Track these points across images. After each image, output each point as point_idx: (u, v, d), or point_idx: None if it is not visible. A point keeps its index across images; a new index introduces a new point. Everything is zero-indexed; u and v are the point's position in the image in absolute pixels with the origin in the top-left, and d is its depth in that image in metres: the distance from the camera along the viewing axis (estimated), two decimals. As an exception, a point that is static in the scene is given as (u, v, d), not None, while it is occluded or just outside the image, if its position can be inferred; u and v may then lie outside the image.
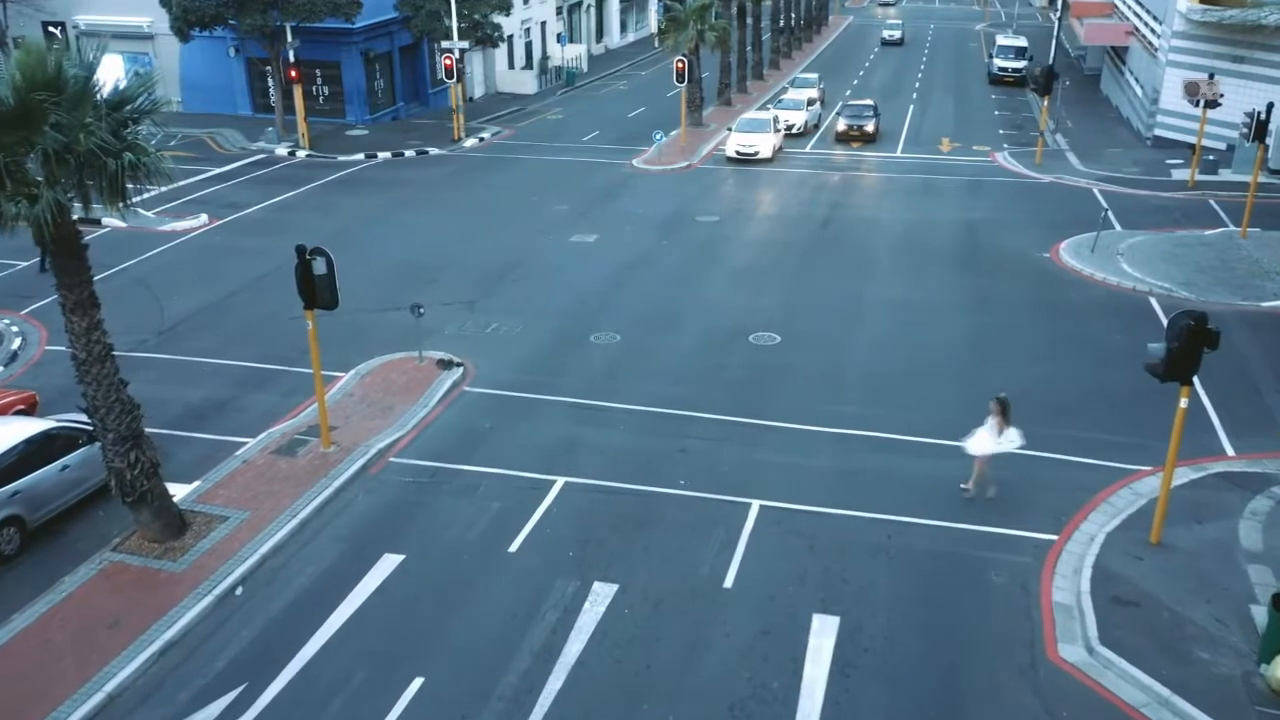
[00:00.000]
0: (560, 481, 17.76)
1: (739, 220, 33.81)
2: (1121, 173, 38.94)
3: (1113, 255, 28.95)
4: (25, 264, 28.24)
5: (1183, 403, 15.10)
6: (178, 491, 17.18)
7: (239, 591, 14.92)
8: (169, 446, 18.81)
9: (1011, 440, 16.69)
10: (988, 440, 16.77)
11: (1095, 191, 36.49)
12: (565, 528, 16.50)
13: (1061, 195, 36.51)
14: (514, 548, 15.98)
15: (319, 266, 17.23)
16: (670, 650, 13.77)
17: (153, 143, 14.25)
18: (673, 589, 14.97)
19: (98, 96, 13.48)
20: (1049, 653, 13.73)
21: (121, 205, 13.85)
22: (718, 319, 25.05)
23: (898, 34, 79.62)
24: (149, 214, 33.13)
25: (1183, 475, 17.16)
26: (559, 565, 15.54)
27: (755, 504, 17.06)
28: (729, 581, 15.14)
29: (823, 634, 14.04)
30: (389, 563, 15.61)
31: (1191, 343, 14.46)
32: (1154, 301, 25.97)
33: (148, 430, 18.42)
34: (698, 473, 18.06)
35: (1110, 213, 30.71)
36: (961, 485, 17.30)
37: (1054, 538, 16.19)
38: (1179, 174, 38.15)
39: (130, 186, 13.91)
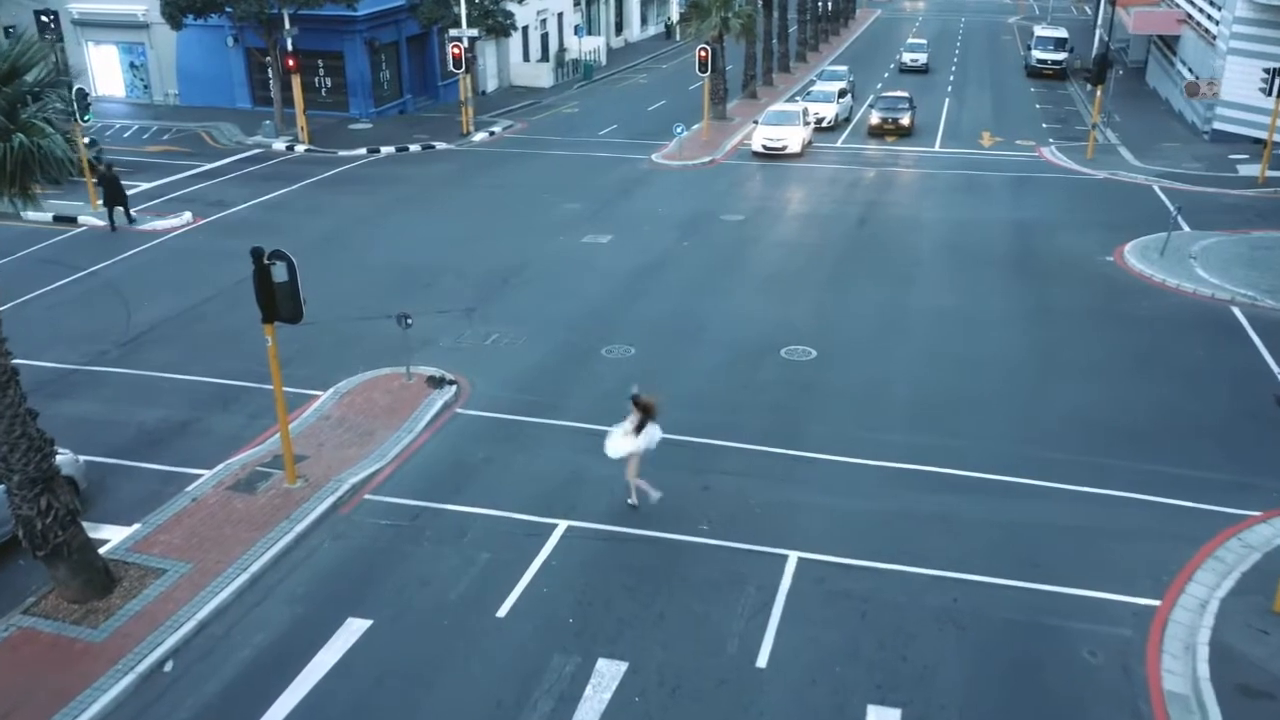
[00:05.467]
0: (562, 526, 15.11)
1: (767, 219, 31.06)
2: (1182, 168, 35.89)
3: (1185, 259, 26.01)
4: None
5: (1322, 444, 12.32)
6: (114, 536, 14.69)
7: (168, 667, 12.31)
8: (112, 479, 16.37)
9: (650, 436, 14.85)
10: (624, 440, 14.97)
11: (1155, 189, 33.48)
12: (565, 586, 13.82)
13: (1119, 193, 33.53)
14: (503, 611, 13.32)
15: (279, 273, 14.65)
16: (691, 754, 11.10)
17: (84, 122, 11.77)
18: (694, 669, 12.27)
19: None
20: (1166, 762, 11.01)
21: (19, 198, 11.38)
22: (745, 330, 22.33)
23: (922, 58, 59.88)
24: (130, 212, 30.80)
25: (1301, 523, 14.37)
26: (556, 635, 12.86)
27: (793, 556, 14.35)
28: (762, 659, 12.42)
29: (880, 733, 11.35)
30: (353, 630, 12.98)
31: (1338, 371, 11.70)
32: (1237, 311, 23.04)
33: (90, 459, 16.14)
34: (724, 516, 15.36)
35: (1180, 212, 27.77)
36: (628, 500, 15.45)
37: (1156, 603, 13.39)
38: (1246, 170, 35.08)
39: (39, 178, 11.54)
